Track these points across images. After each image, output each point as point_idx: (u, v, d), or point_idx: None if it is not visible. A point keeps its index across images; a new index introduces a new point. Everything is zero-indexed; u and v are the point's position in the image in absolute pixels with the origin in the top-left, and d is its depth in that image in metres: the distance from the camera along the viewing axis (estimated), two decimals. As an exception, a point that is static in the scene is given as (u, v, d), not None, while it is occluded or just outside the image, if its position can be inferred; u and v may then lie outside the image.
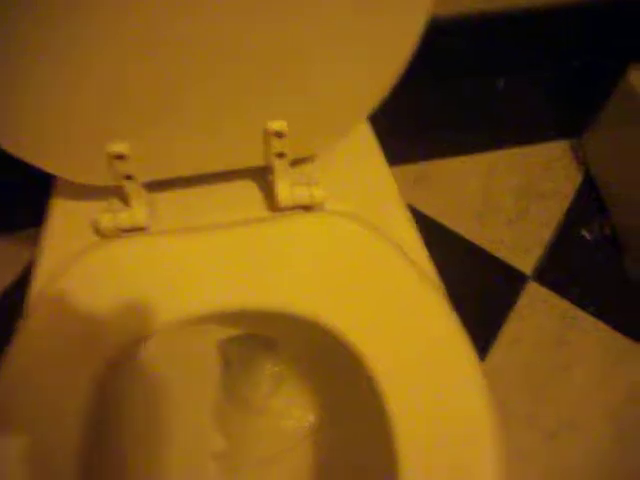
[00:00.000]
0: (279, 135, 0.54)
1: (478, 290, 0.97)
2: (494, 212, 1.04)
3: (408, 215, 0.62)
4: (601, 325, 0.97)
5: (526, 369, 0.94)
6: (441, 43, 0.97)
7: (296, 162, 0.60)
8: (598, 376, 0.94)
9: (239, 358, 0.75)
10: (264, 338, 0.75)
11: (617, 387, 0.94)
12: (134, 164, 0.54)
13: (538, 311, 0.98)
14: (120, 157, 0.53)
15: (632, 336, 0.97)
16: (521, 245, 1.02)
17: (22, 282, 0.98)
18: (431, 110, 1.07)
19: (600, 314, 0.98)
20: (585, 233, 1.03)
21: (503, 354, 0.94)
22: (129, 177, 0.56)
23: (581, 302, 0.99)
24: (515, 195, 1.06)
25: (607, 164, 1.05)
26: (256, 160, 0.58)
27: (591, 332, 0.97)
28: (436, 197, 1.04)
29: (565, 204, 1.05)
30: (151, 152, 0.55)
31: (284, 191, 0.58)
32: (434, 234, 1.01)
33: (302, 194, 0.58)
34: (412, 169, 1.05)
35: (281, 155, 0.56)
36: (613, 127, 1.02)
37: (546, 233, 1.03)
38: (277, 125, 0.53)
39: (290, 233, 0.58)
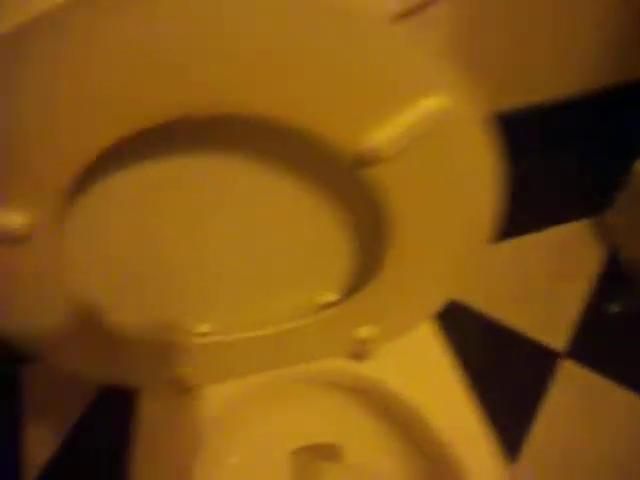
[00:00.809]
0: (364, 342, 0.63)
1: (512, 372, 1.05)
2: (523, 293, 1.13)
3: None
4: (637, 398, 1.05)
5: (567, 448, 1.01)
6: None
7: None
8: (635, 448, 1.01)
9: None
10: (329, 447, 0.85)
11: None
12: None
13: (572, 388, 1.05)
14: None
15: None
16: (552, 325, 1.10)
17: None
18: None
19: (634, 386, 1.05)
20: (613, 308, 1.11)
21: (543, 437, 1.02)
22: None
23: (615, 376, 1.06)
24: (543, 276, 1.14)
25: (629, 241, 1.12)
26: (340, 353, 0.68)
27: (627, 405, 1.04)
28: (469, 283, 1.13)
29: (592, 282, 1.14)
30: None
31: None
32: (469, 320, 1.09)
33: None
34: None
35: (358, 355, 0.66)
36: (631, 207, 1.10)
37: (575, 311, 1.11)
38: (365, 332, 0.63)
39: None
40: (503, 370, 1.05)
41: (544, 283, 1.13)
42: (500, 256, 1.16)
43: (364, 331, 0.63)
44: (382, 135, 0.43)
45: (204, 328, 0.61)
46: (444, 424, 0.66)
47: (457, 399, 0.68)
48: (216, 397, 0.70)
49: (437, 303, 0.63)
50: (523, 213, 1.18)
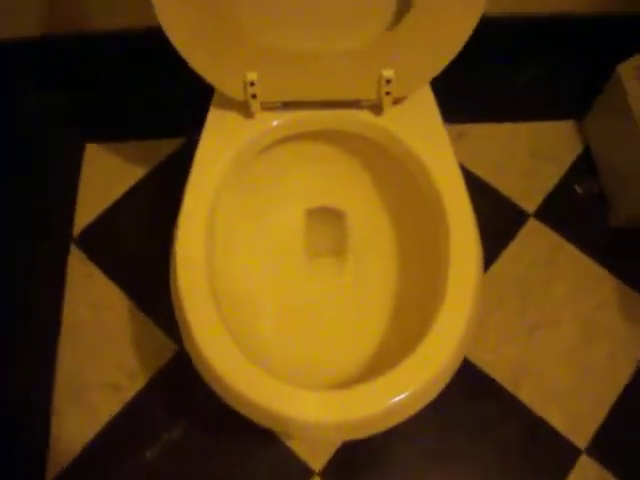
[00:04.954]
0: (388, 80, 0.85)
1: (489, 220, 1.27)
2: (510, 166, 1.36)
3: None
4: (583, 256, 1.28)
5: (520, 279, 1.25)
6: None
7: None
8: (574, 291, 1.24)
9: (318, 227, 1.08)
10: (336, 211, 1.08)
11: (588, 301, 1.24)
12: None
13: (534, 240, 1.29)
14: (251, 83, 0.86)
15: (605, 266, 1.27)
16: (527, 192, 1.33)
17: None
18: (480, 87, 1.38)
19: (583, 248, 1.28)
20: (577, 188, 1.34)
21: (504, 267, 1.26)
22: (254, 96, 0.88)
23: (570, 238, 1.29)
24: (528, 156, 1.37)
25: (601, 141, 1.34)
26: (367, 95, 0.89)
27: (574, 260, 1.27)
28: (468, 149, 1.36)
29: (565, 167, 1.36)
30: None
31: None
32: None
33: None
34: (455, 128, 1.38)
35: (388, 94, 0.88)
36: (606, 113, 1.32)
37: (547, 185, 1.34)
38: (388, 73, 0.85)
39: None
40: (482, 218, 1.28)
41: (527, 160, 1.36)
42: (496, 134, 1.39)
43: (387, 72, 0.85)
44: None
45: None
46: (437, 171, 0.88)
47: (446, 153, 0.90)
48: (265, 125, 0.93)
49: (444, 59, 0.86)
50: (523, 105, 1.40)
